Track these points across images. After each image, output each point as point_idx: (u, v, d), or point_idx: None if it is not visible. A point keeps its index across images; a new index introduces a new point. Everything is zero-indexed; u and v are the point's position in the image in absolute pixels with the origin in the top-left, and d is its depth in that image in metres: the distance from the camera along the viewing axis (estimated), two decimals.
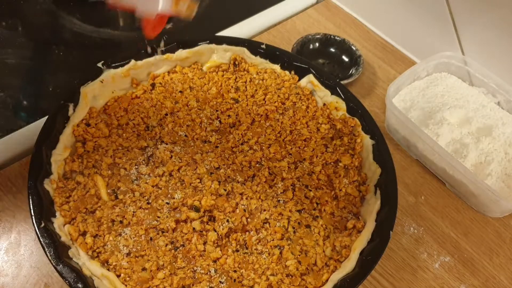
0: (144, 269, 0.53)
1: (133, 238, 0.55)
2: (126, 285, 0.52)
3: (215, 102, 0.70)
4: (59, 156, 0.59)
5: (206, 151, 0.64)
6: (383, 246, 0.55)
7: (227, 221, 0.58)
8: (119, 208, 0.57)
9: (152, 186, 0.60)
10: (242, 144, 0.66)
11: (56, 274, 0.50)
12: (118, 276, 0.53)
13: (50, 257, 0.49)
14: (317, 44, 0.88)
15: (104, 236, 0.55)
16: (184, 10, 0.44)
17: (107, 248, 0.54)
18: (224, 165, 0.63)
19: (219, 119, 0.68)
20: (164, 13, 0.44)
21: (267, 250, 0.57)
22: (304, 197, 0.62)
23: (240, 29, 0.91)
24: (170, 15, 0.47)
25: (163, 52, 0.70)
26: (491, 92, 0.79)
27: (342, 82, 0.76)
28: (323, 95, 0.71)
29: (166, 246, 0.55)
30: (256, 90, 0.72)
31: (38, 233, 0.51)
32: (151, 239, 0.56)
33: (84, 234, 0.55)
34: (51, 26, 0.86)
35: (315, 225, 0.60)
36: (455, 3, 0.79)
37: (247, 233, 0.58)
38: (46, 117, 0.60)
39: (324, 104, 0.72)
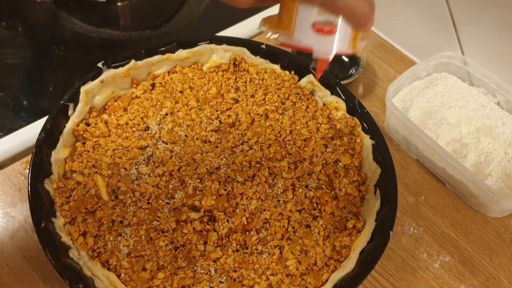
0: (144, 269, 0.53)
1: (134, 238, 0.55)
2: (126, 285, 0.52)
3: (215, 102, 0.70)
4: (59, 156, 0.59)
5: (206, 151, 0.64)
6: (383, 246, 0.55)
7: (227, 221, 0.58)
8: (119, 208, 0.57)
9: (152, 186, 0.60)
10: (242, 144, 0.66)
11: (56, 274, 0.50)
12: (119, 276, 0.53)
13: (50, 257, 0.49)
14: None
15: (105, 236, 0.55)
16: (361, 50, 0.41)
17: (108, 248, 0.54)
18: (224, 165, 0.63)
19: (219, 119, 0.68)
20: (341, 53, 0.41)
21: (267, 250, 0.57)
22: (304, 197, 0.62)
23: (240, 29, 0.91)
24: (345, 55, 0.44)
25: (163, 52, 0.70)
26: (491, 92, 0.79)
27: (342, 82, 0.76)
28: (323, 95, 0.71)
29: (166, 246, 0.55)
30: (256, 90, 0.72)
31: (38, 233, 0.51)
32: (151, 239, 0.56)
33: (84, 234, 0.55)
34: (51, 26, 0.86)
35: (315, 225, 0.60)
36: (455, 3, 0.79)
37: (247, 233, 0.58)
38: (46, 117, 0.60)
39: (324, 104, 0.72)
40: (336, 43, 0.39)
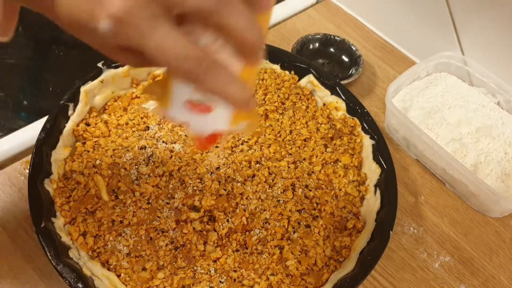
0: (144, 269, 0.53)
1: (133, 238, 0.55)
2: (126, 285, 0.52)
3: None
4: (59, 156, 0.59)
5: (206, 151, 0.64)
6: (383, 246, 0.55)
7: (227, 221, 0.58)
8: (119, 208, 0.57)
9: (152, 186, 0.60)
10: (242, 144, 0.66)
11: (56, 274, 0.50)
12: (119, 276, 0.53)
13: (50, 257, 0.49)
14: (317, 44, 0.88)
15: (105, 236, 0.55)
16: (243, 129, 0.38)
17: (108, 248, 0.54)
18: (224, 165, 0.63)
19: None
20: (219, 132, 0.38)
21: (267, 250, 0.57)
22: (304, 197, 0.62)
23: None
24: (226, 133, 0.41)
25: None
26: (491, 92, 0.79)
27: (342, 82, 0.76)
28: (323, 95, 0.71)
29: (166, 246, 0.55)
30: (256, 90, 0.72)
31: (38, 233, 0.51)
32: (151, 239, 0.56)
33: (84, 234, 0.55)
34: (51, 26, 0.86)
35: (315, 225, 0.60)
36: (455, 3, 0.79)
37: (247, 233, 0.58)
38: (46, 117, 0.60)
39: (324, 104, 0.72)
40: (212, 121, 0.36)
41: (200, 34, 0.32)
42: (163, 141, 0.64)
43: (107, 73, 0.66)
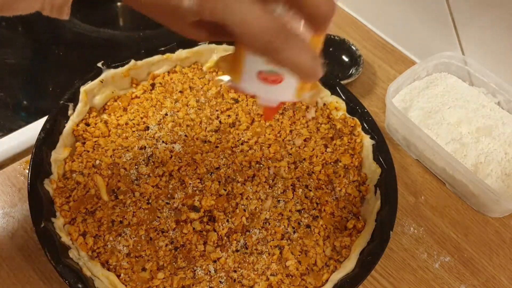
0: (144, 269, 0.53)
1: (133, 238, 0.55)
2: (126, 285, 0.52)
3: (215, 102, 0.70)
4: (59, 156, 0.59)
5: (206, 151, 0.64)
6: (383, 246, 0.55)
7: (227, 221, 0.58)
8: (119, 208, 0.57)
9: (152, 186, 0.60)
10: (242, 144, 0.66)
11: (56, 274, 0.50)
12: (118, 276, 0.53)
13: (50, 257, 0.49)
14: None
15: (104, 236, 0.55)
16: (307, 99, 0.41)
17: (107, 248, 0.54)
18: (224, 165, 0.63)
19: (219, 119, 0.68)
20: (286, 102, 0.41)
21: (267, 250, 0.57)
22: (304, 197, 0.62)
23: None
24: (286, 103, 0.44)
25: (163, 52, 0.70)
26: (491, 92, 0.79)
27: (342, 82, 0.76)
28: (323, 95, 0.71)
29: (166, 246, 0.55)
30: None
31: (38, 233, 0.51)
32: (151, 239, 0.56)
33: (84, 234, 0.55)
34: (51, 26, 0.86)
35: (315, 225, 0.60)
36: (455, 3, 0.79)
37: (247, 233, 0.58)
38: (46, 117, 0.60)
39: (324, 104, 0.72)
40: (280, 92, 0.39)
41: (273, 4, 0.33)
42: (163, 141, 0.64)
43: (107, 73, 0.66)
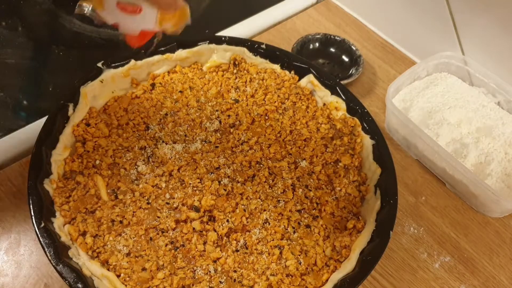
0: (144, 269, 0.53)
1: (133, 238, 0.55)
2: (126, 285, 0.52)
3: (215, 102, 0.70)
4: (59, 156, 0.59)
5: (206, 151, 0.64)
6: (383, 246, 0.55)
7: (227, 221, 0.58)
8: (119, 208, 0.57)
9: (152, 186, 0.60)
10: (242, 144, 0.66)
11: (56, 274, 0.50)
12: (118, 276, 0.53)
13: (50, 257, 0.49)
14: (317, 44, 0.88)
15: (104, 236, 0.55)
16: (169, 28, 0.45)
17: (107, 248, 0.54)
18: (224, 165, 0.63)
19: (219, 119, 0.68)
20: (148, 31, 0.45)
21: (267, 250, 0.57)
22: (304, 197, 0.62)
23: (240, 29, 0.91)
24: (155, 32, 0.48)
25: (163, 52, 0.70)
26: (491, 92, 0.79)
27: (342, 82, 0.76)
28: (323, 95, 0.71)
29: (166, 246, 0.55)
30: (256, 90, 0.72)
31: (38, 233, 0.51)
32: (151, 239, 0.56)
33: (84, 234, 0.55)
34: (51, 26, 0.86)
35: (315, 225, 0.60)
36: (455, 3, 0.79)
37: (247, 233, 0.58)
38: (46, 117, 0.60)
39: (324, 104, 0.72)
40: (141, 21, 0.43)
41: None
42: (163, 141, 0.64)
43: (107, 73, 0.66)
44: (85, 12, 0.43)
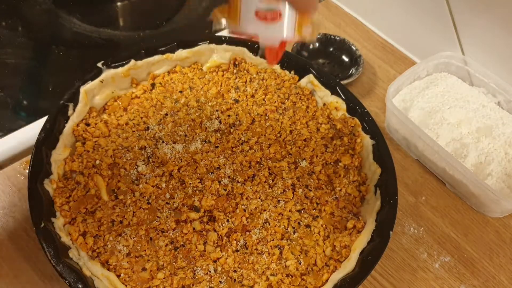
0: (144, 269, 0.53)
1: (133, 238, 0.55)
2: (126, 285, 0.52)
3: (215, 102, 0.70)
4: (59, 156, 0.59)
5: (206, 151, 0.64)
6: (383, 246, 0.55)
7: (227, 221, 0.58)
8: (119, 208, 0.57)
9: (152, 186, 0.60)
10: (242, 144, 0.66)
11: (56, 274, 0.50)
12: (118, 276, 0.53)
13: (50, 257, 0.49)
14: (317, 44, 0.88)
15: (104, 236, 0.55)
16: (308, 35, 0.42)
17: (107, 248, 0.54)
18: (224, 165, 0.63)
19: (219, 119, 0.68)
20: (287, 40, 0.42)
21: (267, 250, 0.57)
22: (304, 197, 0.62)
23: None
24: (293, 41, 0.45)
25: (163, 52, 0.70)
26: (491, 92, 0.79)
27: (342, 82, 0.76)
28: (323, 95, 0.71)
29: (166, 246, 0.55)
30: (256, 90, 0.72)
31: (38, 233, 0.51)
32: (151, 239, 0.56)
33: (84, 234, 0.55)
34: (51, 26, 0.86)
35: (315, 225, 0.60)
36: (455, 3, 0.79)
37: (247, 233, 0.58)
38: (46, 117, 0.60)
39: (324, 104, 0.72)
40: (281, 30, 0.40)
41: None
42: (163, 141, 0.64)
43: (107, 73, 0.66)
44: (215, 29, 0.41)
